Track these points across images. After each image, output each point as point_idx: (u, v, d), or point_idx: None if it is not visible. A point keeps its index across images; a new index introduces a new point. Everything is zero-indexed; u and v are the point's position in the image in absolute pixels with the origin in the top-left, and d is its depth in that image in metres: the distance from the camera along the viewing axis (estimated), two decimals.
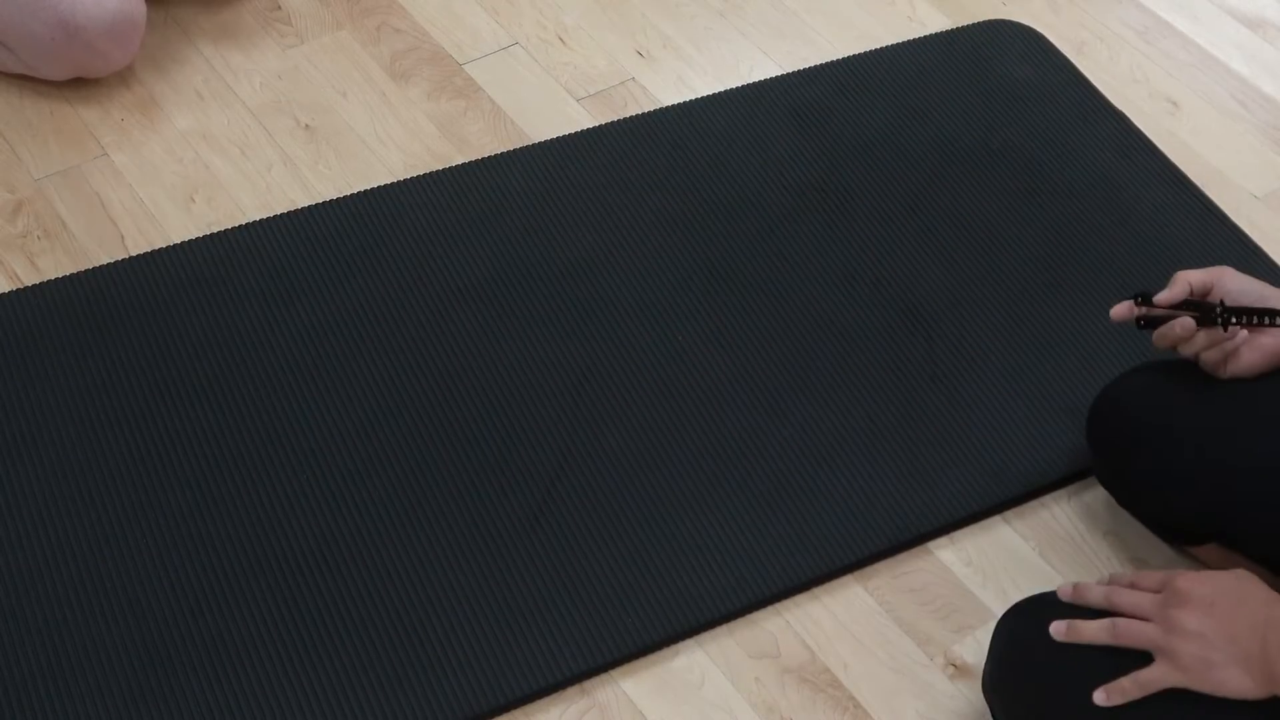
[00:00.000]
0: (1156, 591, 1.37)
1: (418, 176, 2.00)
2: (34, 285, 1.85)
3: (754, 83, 2.20)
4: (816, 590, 1.66)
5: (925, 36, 2.29)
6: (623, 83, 2.20)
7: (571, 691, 1.56)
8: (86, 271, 1.86)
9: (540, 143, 2.05)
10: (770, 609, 1.64)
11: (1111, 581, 1.42)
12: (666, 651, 1.60)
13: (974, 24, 2.31)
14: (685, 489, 1.71)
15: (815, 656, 1.61)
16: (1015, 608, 1.47)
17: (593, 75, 2.21)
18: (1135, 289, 1.58)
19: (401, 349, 1.81)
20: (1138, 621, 1.35)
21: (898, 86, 2.20)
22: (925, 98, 2.18)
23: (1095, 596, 1.40)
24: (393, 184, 1.98)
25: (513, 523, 1.67)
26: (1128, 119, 2.18)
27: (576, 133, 2.09)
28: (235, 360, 1.78)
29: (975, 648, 1.61)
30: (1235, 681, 1.30)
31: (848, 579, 1.67)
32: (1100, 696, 1.34)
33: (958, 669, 1.60)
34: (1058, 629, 1.38)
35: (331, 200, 1.96)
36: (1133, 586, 1.40)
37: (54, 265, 1.88)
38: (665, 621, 1.60)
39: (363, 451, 1.71)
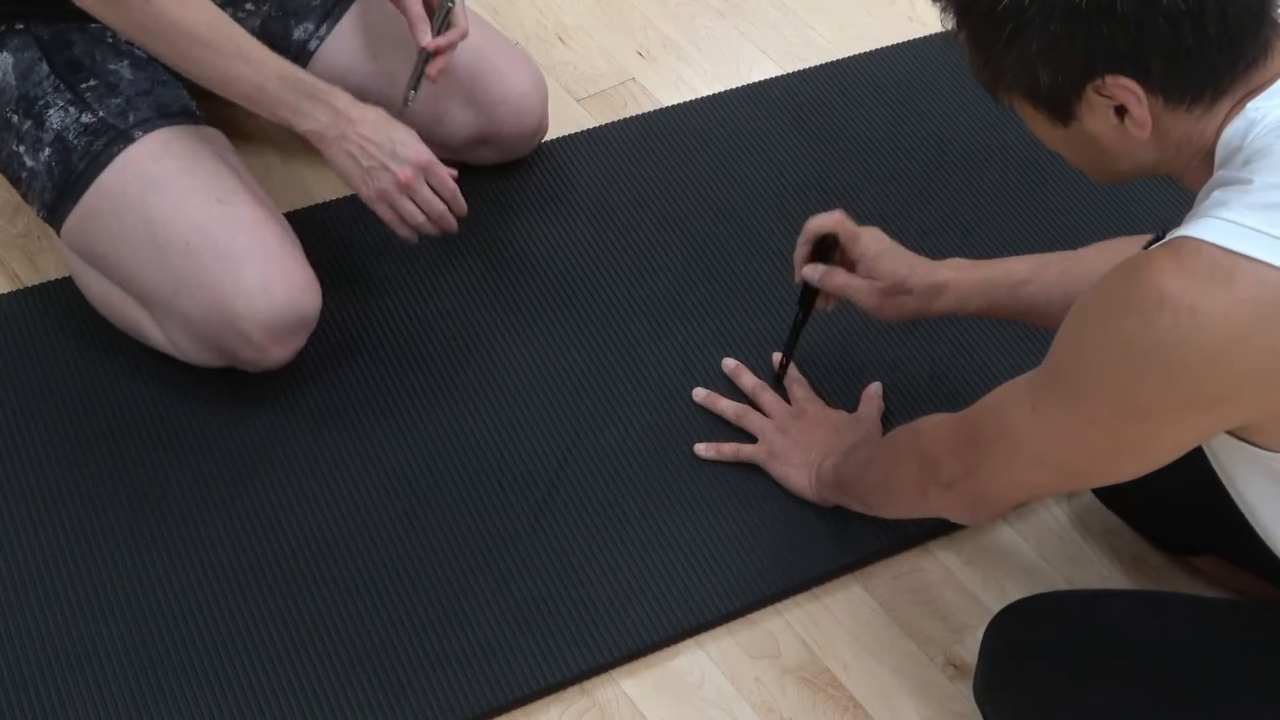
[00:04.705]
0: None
1: None
2: (34, 285, 1.85)
3: (754, 83, 2.20)
4: (816, 590, 1.66)
5: (925, 36, 2.29)
6: (623, 83, 2.20)
7: (571, 691, 1.56)
8: None
9: (540, 143, 2.04)
10: (770, 609, 1.64)
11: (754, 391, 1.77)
12: (666, 651, 1.60)
13: None
14: (685, 489, 1.71)
15: (815, 656, 1.61)
16: (1004, 611, 1.47)
17: (593, 75, 2.21)
18: None
19: (401, 349, 1.81)
20: (761, 415, 1.74)
21: (898, 86, 2.20)
22: (925, 98, 2.18)
23: (726, 409, 1.76)
24: None
25: (513, 523, 1.67)
26: None
27: (576, 133, 2.09)
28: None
29: (975, 648, 1.60)
30: (796, 479, 1.68)
31: (848, 579, 1.67)
32: (701, 449, 1.72)
33: (957, 669, 1.60)
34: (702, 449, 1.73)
35: (333, 200, 1.96)
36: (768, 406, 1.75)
37: (54, 265, 1.88)
38: (665, 621, 1.60)
39: (363, 451, 1.71)
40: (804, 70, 2.22)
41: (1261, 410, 1.17)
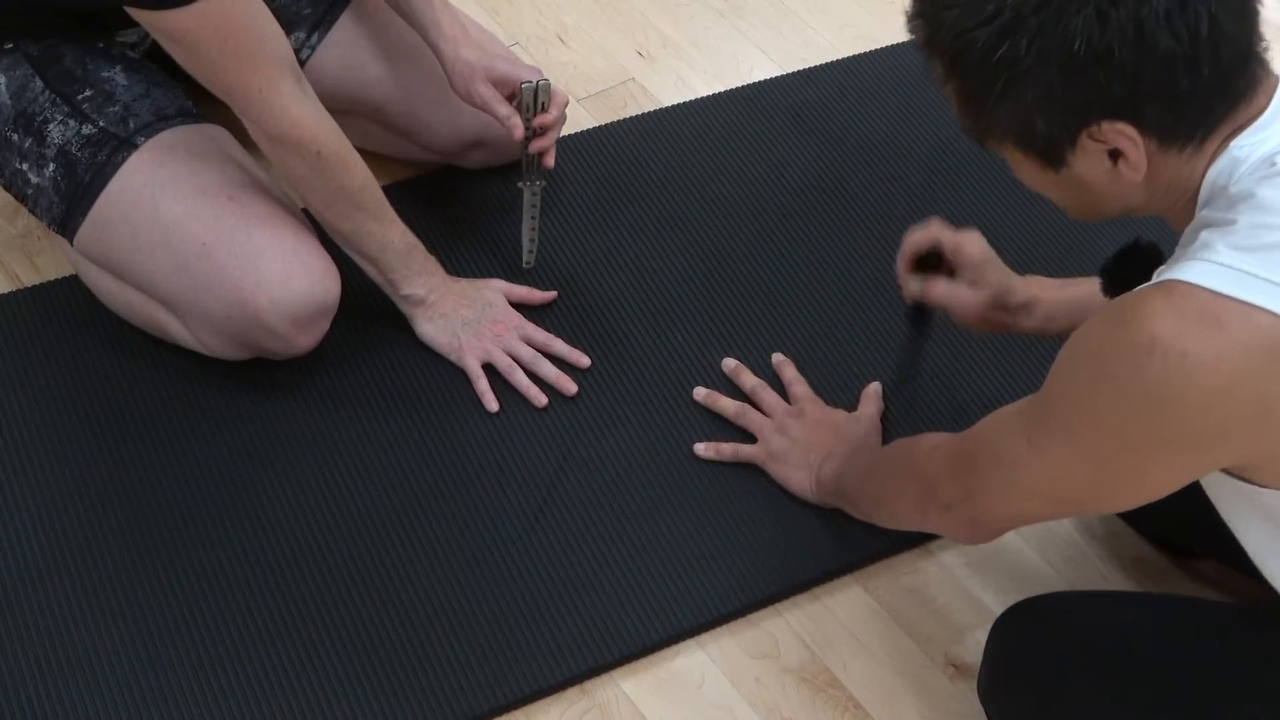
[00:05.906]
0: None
1: (414, 178, 2.00)
2: (34, 285, 1.85)
3: (754, 83, 2.20)
4: (816, 590, 1.66)
5: None
6: (623, 83, 2.20)
7: (571, 691, 1.56)
8: None
9: None
10: (770, 609, 1.64)
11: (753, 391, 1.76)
12: (667, 651, 1.60)
13: None
14: (685, 489, 1.71)
15: (815, 656, 1.61)
16: (1009, 611, 1.47)
17: (593, 75, 2.21)
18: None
19: (401, 350, 1.81)
20: (761, 415, 1.73)
21: (898, 86, 2.20)
22: (925, 98, 2.18)
23: (727, 406, 1.75)
24: (388, 184, 1.97)
25: (513, 523, 1.67)
26: None
27: (577, 133, 2.09)
28: (234, 361, 1.77)
29: (975, 648, 1.61)
30: (796, 480, 1.67)
31: (848, 579, 1.67)
32: (700, 448, 1.72)
33: (958, 669, 1.60)
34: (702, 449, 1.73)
35: None
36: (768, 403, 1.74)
37: (54, 265, 1.88)
38: (665, 621, 1.60)
39: (363, 452, 1.71)
40: (804, 70, 2.22)
41: (1253, 451, 1.18)
